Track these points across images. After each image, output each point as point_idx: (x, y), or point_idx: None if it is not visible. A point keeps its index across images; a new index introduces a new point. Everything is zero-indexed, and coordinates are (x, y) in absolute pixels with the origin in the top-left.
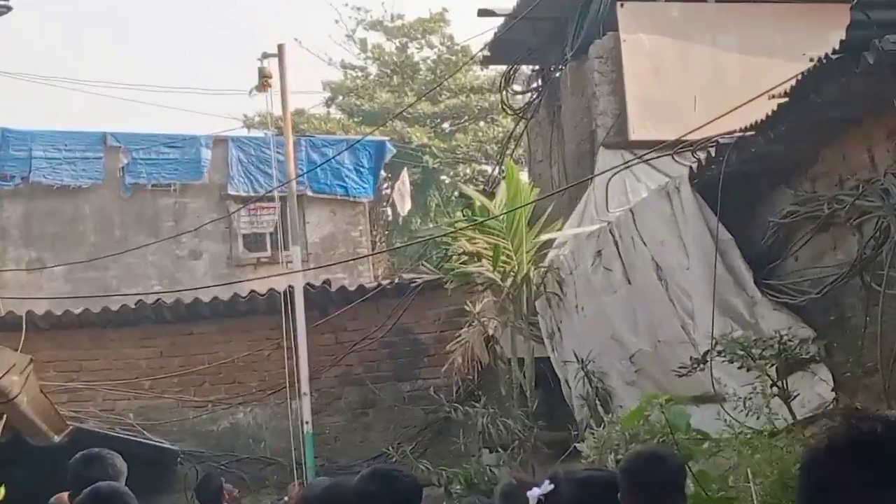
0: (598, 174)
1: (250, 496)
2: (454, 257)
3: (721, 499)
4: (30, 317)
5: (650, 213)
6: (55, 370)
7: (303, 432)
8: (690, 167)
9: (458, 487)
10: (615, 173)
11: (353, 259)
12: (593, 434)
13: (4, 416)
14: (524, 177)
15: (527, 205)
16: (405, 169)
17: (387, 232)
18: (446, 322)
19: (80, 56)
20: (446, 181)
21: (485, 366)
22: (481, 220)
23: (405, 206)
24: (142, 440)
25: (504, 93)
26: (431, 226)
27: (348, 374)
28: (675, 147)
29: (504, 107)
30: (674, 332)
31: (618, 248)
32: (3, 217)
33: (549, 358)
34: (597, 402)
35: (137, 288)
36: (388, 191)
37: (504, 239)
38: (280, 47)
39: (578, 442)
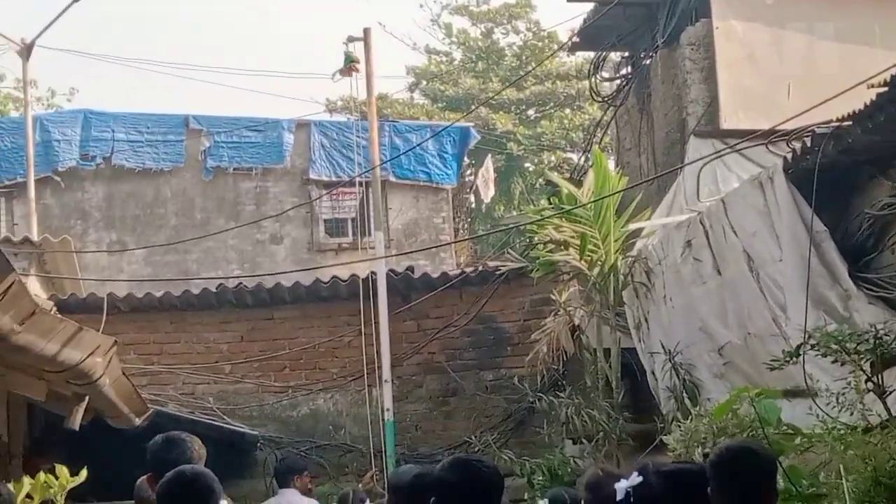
0: (689, 163)
1: (329, 483)
2: (540, 245)
3: (812, 495)
4: (111, 299)
5: (742, 204)
6: (135, 353)
7: (383, 420)
8: (784, 157)
9: (540, 478)
10: (706, 163)
11: (437, 246)
12: (680, 427)
13: (87, 398)
14: (611, 165)
15: (615, 193)
16: (489, 156)
17: (469, 219)
18: (530, 311)
19: (163, 39)
20: (530, 169)
21: (570, 356)
22: (569, 208)
23: (489, 193)
24: (221, 424)
25: (593, 80)
26: (515, 213)
27: (430, 362)
28: (769, 136)
29: (592, 94)
30: (765, 324)
31: (708, 239)
32: (84, 199)
33: (635, 349)
34: (684, 394)
35: (217, 272)
36: (472, 177)
37: (591, 228)
38: (366, 31)
39: (664, 434)
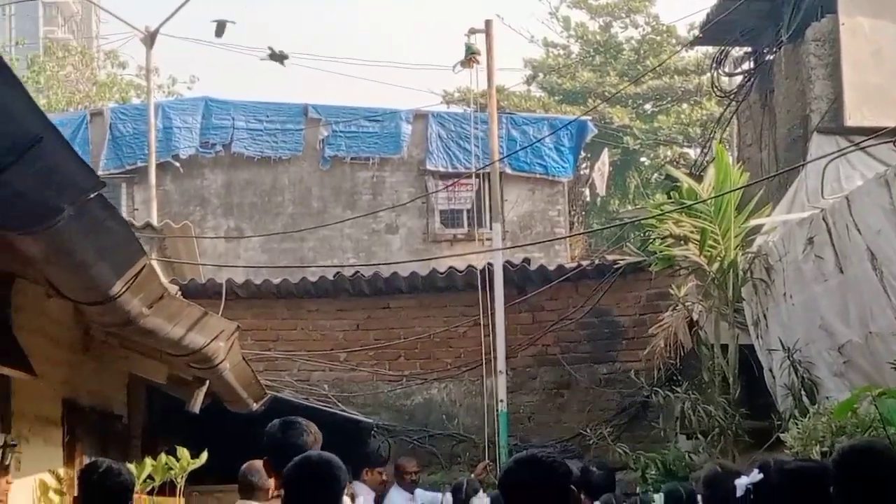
0: (812, 160)
1: (441, 472)
2: (658, 240)
3: None
4: (229, 285)
5: (867, 202)
6: (252, 339)
7: (497, 410)
8: None
9: (653, 472)
10: (831, 160)
11: (553, 240)
12: (798, 424)
13: (207, 381)
14: (731, 160)
15: (736, 189)
16: (605, 150)
17: (584, 213)
18: (646, 305)
19: (285, 28)
20: (646, 163)
21: (686, 351)
22: (689, 203)
23: (604, 187)
24: (336, 411)
25: (714, 75)
26: (630, 208)
27: (544, 354)
28: (895, 134)
29: (713, 89)
30: (888, 323)
31: (830, 237)
32: (203, 185)
33: (752, 345)
34: (802, 392)
35: (333, 260)
36: (588, 171)
37: (711, 223)
38: (488, 23)
39: (781, 432)
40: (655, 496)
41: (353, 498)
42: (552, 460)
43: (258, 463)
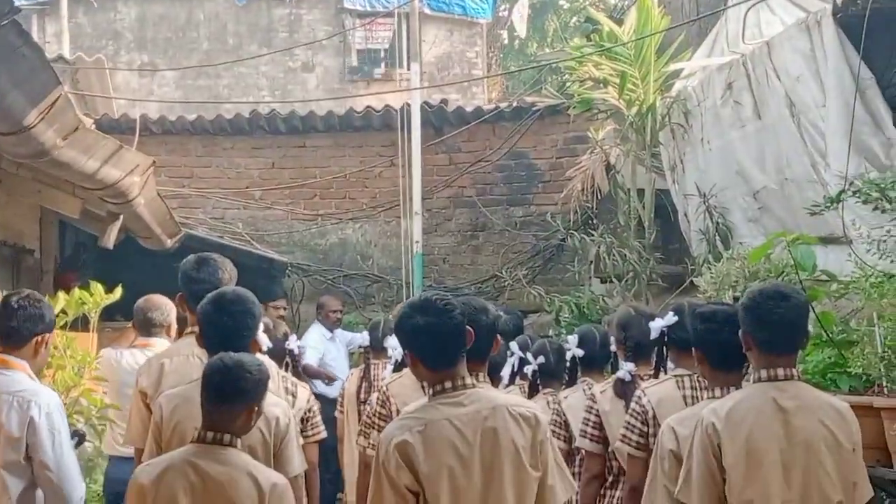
0: (733, 5)
1: (355, 312)
2: (577, 83)
3: (843, 341)
4: (143, 120)
5: (787, 48)
6: (166, 175)
7: (412, 252)
8: (834, 1)
9: (567, 315)
10: (753, 4)
11: (471, 80)
12: (711, 269)
13: (121, 217)
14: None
15: (657, 33)
16: None
17: (502, 55)
18: (563, 149)
19: None
20: (565, 6)
21: (603, 195)
22: (609, 45)
23: (524, 29)
24: (251, 250)
25: None
26: (548, 51)
27: (460, 196)
28: None
29: None
30: (803, 170)
31: (749, 82)
32: (116, 20)
33: (668, 190)
34: (716, 237)
35: (248, 98)
36: (507, 13)
37: (631, 66)
38: None
39: (695, 277)
40: (570, 338)
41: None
42: (445, 303)
43: (158, 298)
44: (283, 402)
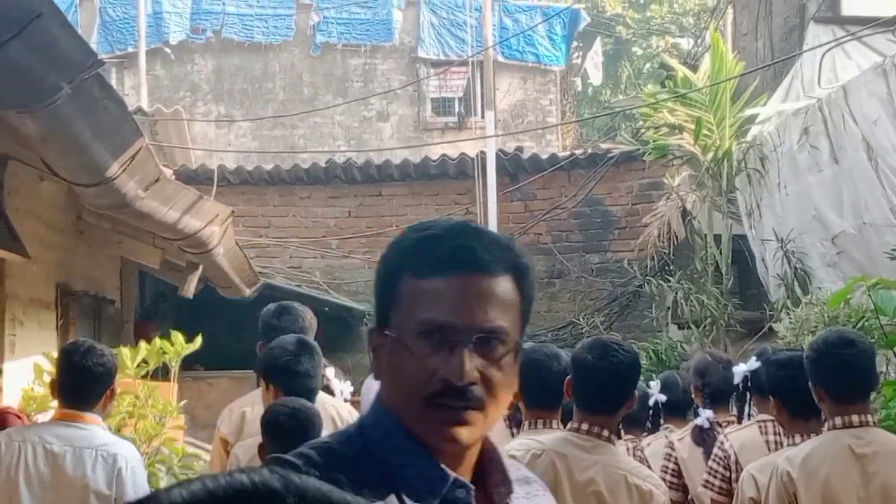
0: (808, 49)
1: None
2: (652, 129)
3: None
4: (221, 171)
5: (863, 92)
6: (244, 225)
7: None
8: None
9: (645, 361)
10: (827, 50)
11: (545, 127)
12: (790, 315)
13: (200, 266)
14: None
15: (732, 78)
16: (598, 38)
17: (575, 102)
18: (639, 195)
19: None
20: (638, 53)
21: (679, 241)
22: (684, 91)
23: (597, 76)
24: (328, 298)
25: None
26: (622, 98)
27: (536, 243)
28: (894, 24)
29: None
30: (881, 214)
31: (826, 127)
32: (193, 71)
33: (745, 236)
34: (794, 282)
35: (324, 147)
36: (580, 60)
37: (707, 112)
38: None
39: (773, 322)
40: (652, 383)
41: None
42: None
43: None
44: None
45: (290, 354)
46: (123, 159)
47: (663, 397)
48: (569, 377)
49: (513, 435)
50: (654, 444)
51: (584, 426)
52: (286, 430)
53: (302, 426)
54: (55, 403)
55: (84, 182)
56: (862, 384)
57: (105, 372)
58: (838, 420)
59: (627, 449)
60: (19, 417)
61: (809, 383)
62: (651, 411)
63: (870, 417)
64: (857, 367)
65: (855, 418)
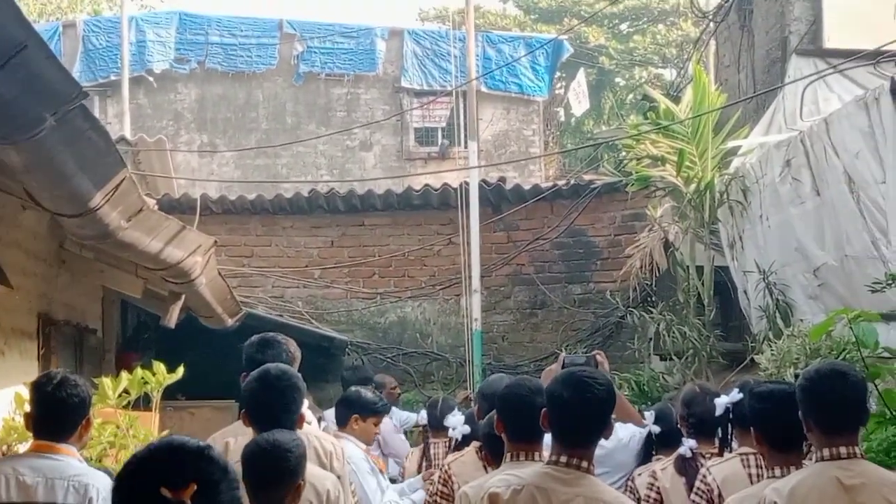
0: (791, 82)
1: (415, 391)
2: (634, 161)
3: None
4: (204, 200)
5: (846, 124)
6: (227, 255)
7: (471, 329)
8: (892, 78)
9: (627, 393)
10: (810, 83)
11: (530, 158)
12: (772, 346)
13: (183, 296)
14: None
15: (714, 111)
16: (581, 69)
17: (559, 132)
18: (621, 226)
19: None
20: (621, 84)
21: (662, 272)
22: (667, 123)
23: (581, 106)
24: (310, 328)
25: None
26: (605, 128)
27: (519, 274)
28: (876, 57)
29: (693, 9)
30: (863, 246)
31: (808, 159)
32: (177, 100)
33: (727, 267)
34: (776, 314)
35: (307, 177)
36: (562, 91)
37: (689, 144)
38: None
39: (756, 354)
40: (646, 414)
41: (319, 420)
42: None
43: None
44: (332, 475)
45: (271, 386)
46: (107, 190)
47: (657, 428)
48: (545, 409)
49: (486, 468)
50: (644, 475)
51: (563, 458)
52: (261, 465)
53: (279, 461)
54: None
55: (67, 212)
56: (852, 417)
57: (80, 402)
58: (826, 452)
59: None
60: None
61: (799, 413)
62: (643, 441)
63: (857, 449)
64: (847, 400)
65: (843, 450)
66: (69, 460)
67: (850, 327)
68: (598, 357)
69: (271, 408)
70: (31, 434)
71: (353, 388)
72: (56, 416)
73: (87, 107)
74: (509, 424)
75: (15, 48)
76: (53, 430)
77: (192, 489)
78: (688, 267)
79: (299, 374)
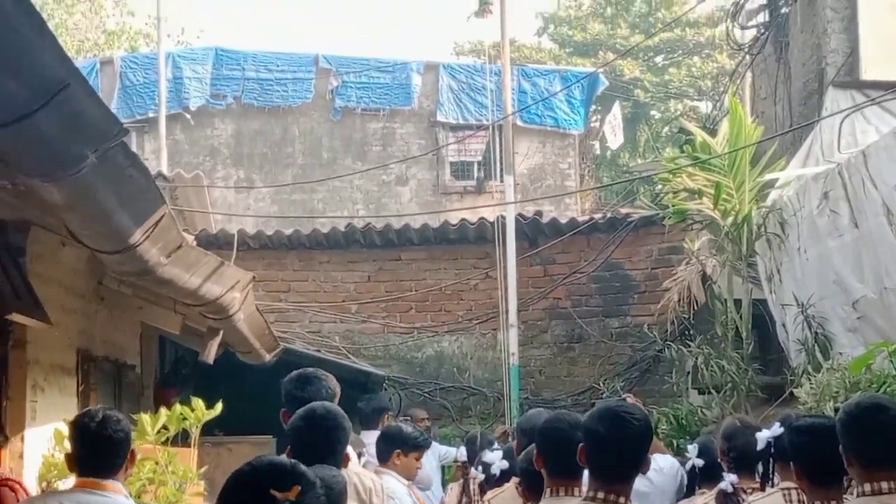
0: (828, 115)
1: (452, 426)
2: (671, 194)
3: None
4: (241, 235)
5: (883, 156)
6: (264, 290)
7: (508, 364)
8: None
9: (665, 427)
10: (847, 115)
11: (566, 193)
12: (811, 380)
13: (221, 332)
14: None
15: (752, 144)
16: (616, 102)
17: (594, 166)
18: (658, 259)
19: None
20: (656, 116)
21: (700, 305)
22: (705, 157)
23: (616, 139)
24: (347, 363)
25: (729, 27)
26: (640, 161)
27: (555, 308)
28: None
29: (729, 41)
30: None
31: (846, 191)
32: (214, 136)
33: (765, 300)
34: (815, 347)
35: (343, 211)
36: (598, 124)
37: (726, 177)
38: None
39: (794, 387)
40: (690, 447)
41: (360, 455)
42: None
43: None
44: None
45: (316, 426)
46: (147, 226)
47: (700, 462)
48: (581, 444)
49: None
50: None
51: (601, 494)
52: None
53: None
54: None
55: (107, 249)
56: (894, 451)
57: (125, 437)
58: (867, 486)
59: None
60: (13, 489)
61: (840, 448)
62: (687, 475)
63: None
64: (889, 434)
65: (885, 485)
66: (116, 497)
67: (891, 360)
68: (628, 399)
69: (317, 447)
70: (70, 471)
71: (394, 424)
72: (102, 453)
73: (128, 144)
74: (549, 460)
75: (58, 86)
76: (100, 467)
77: (296, 490)
78: (726, 300)
79: (345, 414)
